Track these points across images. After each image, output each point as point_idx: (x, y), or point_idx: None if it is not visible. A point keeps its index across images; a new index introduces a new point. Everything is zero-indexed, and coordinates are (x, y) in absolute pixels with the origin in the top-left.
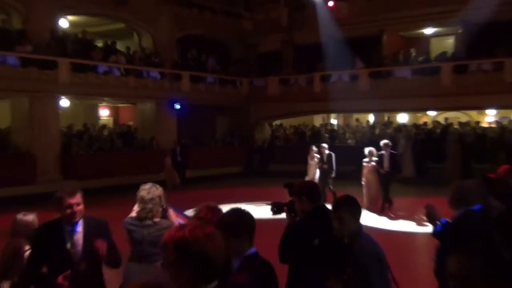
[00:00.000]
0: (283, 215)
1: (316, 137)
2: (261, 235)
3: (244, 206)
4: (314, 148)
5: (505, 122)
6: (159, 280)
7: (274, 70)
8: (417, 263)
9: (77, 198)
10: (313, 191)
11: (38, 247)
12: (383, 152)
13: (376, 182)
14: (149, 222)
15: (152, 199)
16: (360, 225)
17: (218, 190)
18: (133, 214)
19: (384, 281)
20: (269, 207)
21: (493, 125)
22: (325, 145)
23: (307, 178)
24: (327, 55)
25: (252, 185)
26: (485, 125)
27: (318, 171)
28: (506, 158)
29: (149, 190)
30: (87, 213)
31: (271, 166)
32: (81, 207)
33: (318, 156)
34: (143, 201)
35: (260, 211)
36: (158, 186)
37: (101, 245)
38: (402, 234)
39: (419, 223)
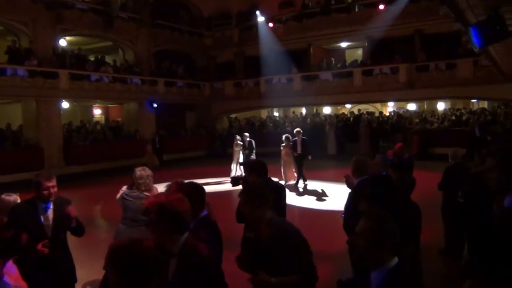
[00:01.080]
0: (240, 187)
1: (263, 126)
2: (222, 202)
3: (208, 180)
4: (238, 137)
5: (400, 111)
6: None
7: (230, 75)
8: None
9: (53, 182)
10: (262, 168)
11: (15, 220)
12: (296, 138)
13: (290, 162)
14: (143, 195)
15: (148, 175)
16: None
17: (189, 169)
18: (124, 188)
19: None
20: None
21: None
22: (246, 134)
23: (233, 162)
24: (269, 63)
25: (214, 165)
26: (386, 114)
27: (241, 155)
28: (402, 138)
29: (144, 169)
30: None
31: (229, 150)
32: (55, 189)
33: (241, 143)
34: (141, 177)
35: (222, 185)
36: (148, 168)
37: (72, 210)
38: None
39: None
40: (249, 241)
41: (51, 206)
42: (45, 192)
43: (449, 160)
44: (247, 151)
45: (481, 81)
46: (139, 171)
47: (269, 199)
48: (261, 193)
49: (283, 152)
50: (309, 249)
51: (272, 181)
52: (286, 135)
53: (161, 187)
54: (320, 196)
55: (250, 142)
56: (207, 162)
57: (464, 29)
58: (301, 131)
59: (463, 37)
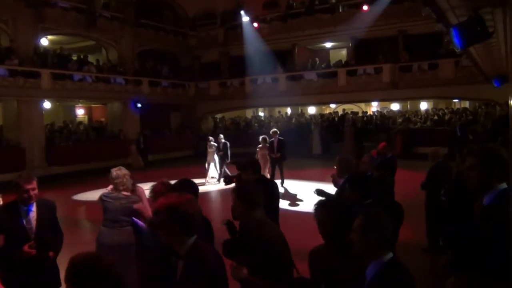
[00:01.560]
0: (233, 185)
1: (248, 126)
2: (212, 202)
3: (196, 181)
4: (211, 138)
5: (384, 111)
6: (127, 241)
7: (215, 75)
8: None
9: (33, 184)
10: (257, 165)
11: None
12: (273, 139)
13: (266, 164)
14: (121, 195)
15: (125, 174)
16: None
17: (174, 169)
18: (108, 189)
19: None
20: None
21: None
22: (221, 135)
23: (207, 163)
24: (254, 63)
25: (200, 165)
26: (370, 113)
27: (216, 157)
28: (386, 137)
29: (120, 169)
30: (40, 195)
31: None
32: (36, 191)
33: (215, 144)
34: (117, 177)
35: (209, 185)
36: (124, 168)
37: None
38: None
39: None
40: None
41: (33, 209)
42: (25, 194)
43: (429, 160)
44: (221, 153)
45: (463, 81)
46: (115, 171)
47: (260, 199)
48: (251, 192)
49: (259, 154)
50: (282, 258)
51: (266, 178)
52: (263, 136)
53: (146, 187)
54: (300, 196)
55: (224, 144)
56: (193, 162)
57: (446, 30)
58: (278, 132)
59: (445, 37)
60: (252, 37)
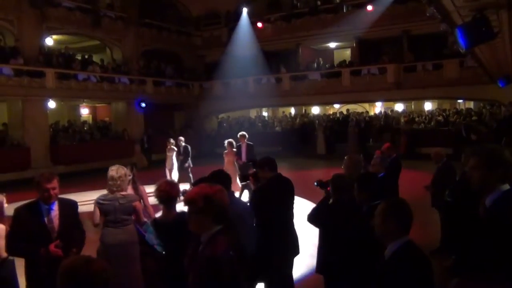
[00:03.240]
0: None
1: (252, 126)
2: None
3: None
4: (172, 141)
5: (388, 111)
6: (131, 240)
7: (218, 75)
8: None
9: (54, 183)
10: (273, 163)
11: (19, 223)
12: (240, 143)
13: (234, 172)
14: (119, 195)
15: (120, 177)
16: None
17: None
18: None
19: None
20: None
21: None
22: (182, 138)
23: (167, 169)
24: (258, 63)
25: (203, 165)
26: (372, 113)
27: (175, 161)
28: (390, 137)
29: (117, 170)
30: (61, 195)
31: (217, 149)
32: (56, 190)
33: (175, 148)
34: (113, 179)
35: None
36: (123, 167)
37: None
38: None
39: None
40: None
41: (55, 207)
42: (45, 194)
43: (433, 162)
44: (181, 157)
45: (467, 82)
46: (111, 172)
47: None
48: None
49: (225, 161)
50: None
51: (283, 176)
52: (229, 140)
53: (150, 187)
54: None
55: (185, 147)
56: (196, 162)
57: (451, 30)
58: (246, 135)
59: (449, 38)
60: (256, 37)
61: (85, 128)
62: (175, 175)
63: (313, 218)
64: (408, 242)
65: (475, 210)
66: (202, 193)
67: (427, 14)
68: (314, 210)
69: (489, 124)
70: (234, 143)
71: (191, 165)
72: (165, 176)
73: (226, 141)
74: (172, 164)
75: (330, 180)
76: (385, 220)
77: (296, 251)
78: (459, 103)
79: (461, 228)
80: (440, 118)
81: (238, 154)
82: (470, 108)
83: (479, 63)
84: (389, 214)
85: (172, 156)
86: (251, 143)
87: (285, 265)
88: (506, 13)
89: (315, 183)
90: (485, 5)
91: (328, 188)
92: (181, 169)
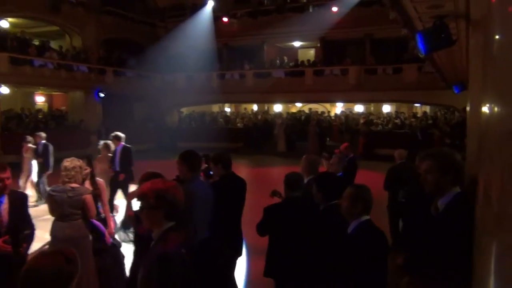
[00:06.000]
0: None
1: (214, 121)
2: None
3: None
4: (29, 138)
5: (348, 112)
6: (79, 234)
7: (181, 68)
8: None
9: (7, 173)
10: (228, 160)
11: None
12: (116, 147)
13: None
14: (69, 187)
15: (73, 167)
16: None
17: (137, 162)
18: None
19: None
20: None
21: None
22: (42, 134)
23: (22, 175)
24: (223, 58)
25: (164, 159)
26: (332, 114)
27: (34, 164)
28: (349, 138)
29: (71, 161)
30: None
31: (178, 143)
32: (10, 180)
33: (34, 146)
34: (66, 169)
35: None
36: (78, 159)
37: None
38: None
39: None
40: None
41: (5, 201)
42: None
43: (396, 161)
44: (41, 159)
45: (425, 87)
46: (66, 162)
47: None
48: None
49: (97, 169)
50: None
51: (235, 174)
52: (104, 141)
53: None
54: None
55: (45, 146)
56: (156, 155)
57: (412, 35)
58: (121, 136)
59: (410, 43)
60: (221, 32)
61: (40, 117)
62: (34, 179)
63: (263, 225)
64: (368, 220)
65: (427, 211)
66: (154, 189)
67: (390, 18)
68: (264, 217)
69: (443, 128)
70: (111, 145)
71: (51, 170)
72: (21, 187)
73: (100, 142)
74: (30, 168)
75: (284, 179)
76: (354, 202)
77: (240, 252)
78: (416, 106)
79: (414, 228)
80: (397, 121)
81: (112, 161)
82: (426, 112)
83: (436, 69)
84: (357, 197)
85: (30, 158)
86: (129, 145)
87: (229, 266)
88: (464, 22)
89: (271, 194)
90: (446, 13)
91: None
92: (40, 174)
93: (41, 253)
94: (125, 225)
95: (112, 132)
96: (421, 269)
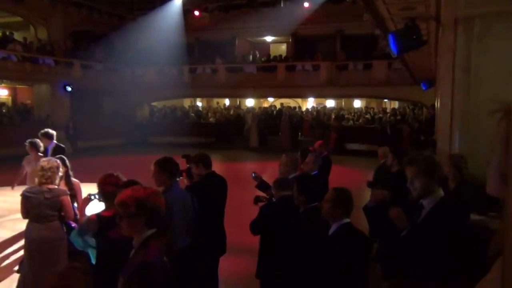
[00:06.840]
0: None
1: (186, 115)
2: None
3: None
4: (39, 144)
5: (319, 107)
6: (56, 236)
7: (152, 62)
8: None
9: None
10: (208, 160)
11: None
12: (47, 146)
13: None
14: (45, 188)
15: (50, 167)
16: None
17: (109, 158)
18: (31, 184)
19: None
20: None
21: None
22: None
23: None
24: (194, 53)
25: (135, 154)
26: (304, 109)
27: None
28: (320, 133)
29: (48, 161)
30: None
31: (150, 138)
32: None
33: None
34: (43, 169)
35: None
36: (56, 159)
37: None
38: None
39: None
40: None
41: None
42: None
43: (379, 159)
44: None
45: (394, 83)
46: (42, 162)
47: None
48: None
49: (28, 172)
50: None
51: (217, 174)
52: (31, 140)
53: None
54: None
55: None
56: (127, 151)
57: (383, 36)
58: (52, 134)
59: (380, 41)
60: (191, 26)
61: (3, 111)
62: None
63: (257, 224)
64: (348, 223)
65: (410, 215)
66: (134, 197)
67: (364, 19)
68: (258, 216)
69: (412, 124)
70: (39, 144)
71: None
72: None
73: (27, 142)
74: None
75: (272, 183)
76: (335, 206)
77: (223, 250)
78: (385, 102)
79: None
80: (367, 116)
81: None
82: (395, 108)
83: (406, 66)
84: (339, 201)
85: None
86: (63, 145)
87: (212, 264)
88: (434, 24)
89: (254, 201)
90: (417, 15)
91: (267, 194)
92: None
93: (59, 276)
94: (82, 231)
95: (79, 127)
96: (401, 275)
